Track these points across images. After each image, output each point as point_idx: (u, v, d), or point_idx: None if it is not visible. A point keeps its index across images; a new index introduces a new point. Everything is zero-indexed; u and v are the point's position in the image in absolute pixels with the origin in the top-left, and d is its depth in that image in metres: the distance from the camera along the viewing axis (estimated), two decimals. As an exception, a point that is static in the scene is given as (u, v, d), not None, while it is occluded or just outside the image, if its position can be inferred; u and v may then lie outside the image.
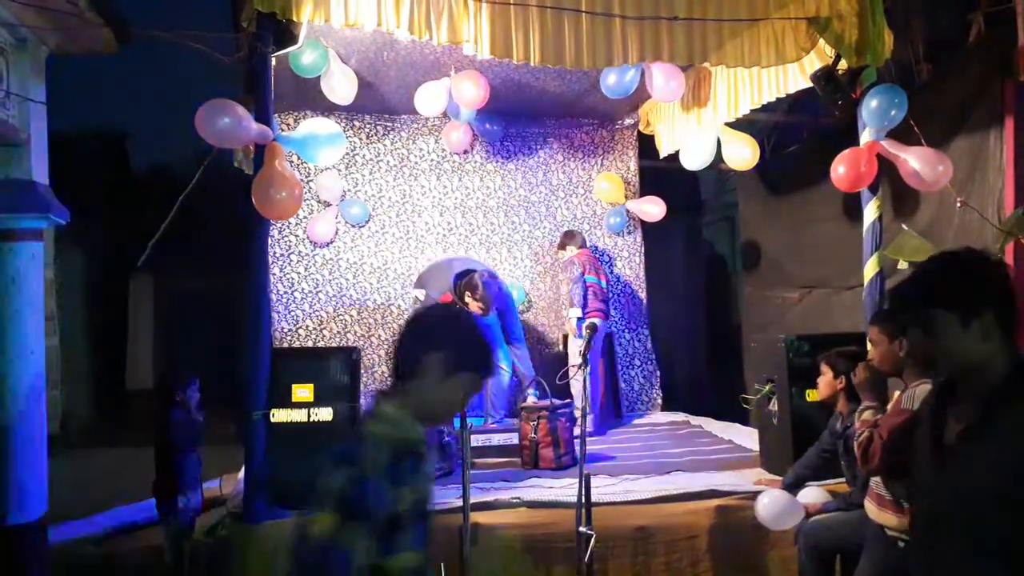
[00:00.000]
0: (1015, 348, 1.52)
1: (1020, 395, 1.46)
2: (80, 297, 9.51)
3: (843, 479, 3.50)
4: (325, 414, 3.55)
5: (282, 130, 5.40)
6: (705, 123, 5.46)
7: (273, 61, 4.05)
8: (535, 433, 4.39)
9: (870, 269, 4.08)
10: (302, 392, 3.52)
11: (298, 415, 3.53)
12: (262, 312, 3.49)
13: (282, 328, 6.04)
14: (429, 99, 5.21)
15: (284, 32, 3.58)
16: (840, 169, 4.02)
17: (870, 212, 4.11)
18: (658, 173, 6.81)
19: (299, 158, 6.05)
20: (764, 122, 6.25)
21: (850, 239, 5.54)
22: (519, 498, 3.66)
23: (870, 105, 3.93)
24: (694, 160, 5.68)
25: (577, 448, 3.57)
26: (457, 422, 2.83)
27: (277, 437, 3.49)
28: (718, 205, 8.46)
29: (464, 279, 4.98)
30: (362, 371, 6.05)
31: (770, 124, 6.43)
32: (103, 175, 9.84)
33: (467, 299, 4.95)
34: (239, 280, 6.18)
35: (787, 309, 6.46)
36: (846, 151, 4.05)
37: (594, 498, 3.45)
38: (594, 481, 3.83)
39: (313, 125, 3.72)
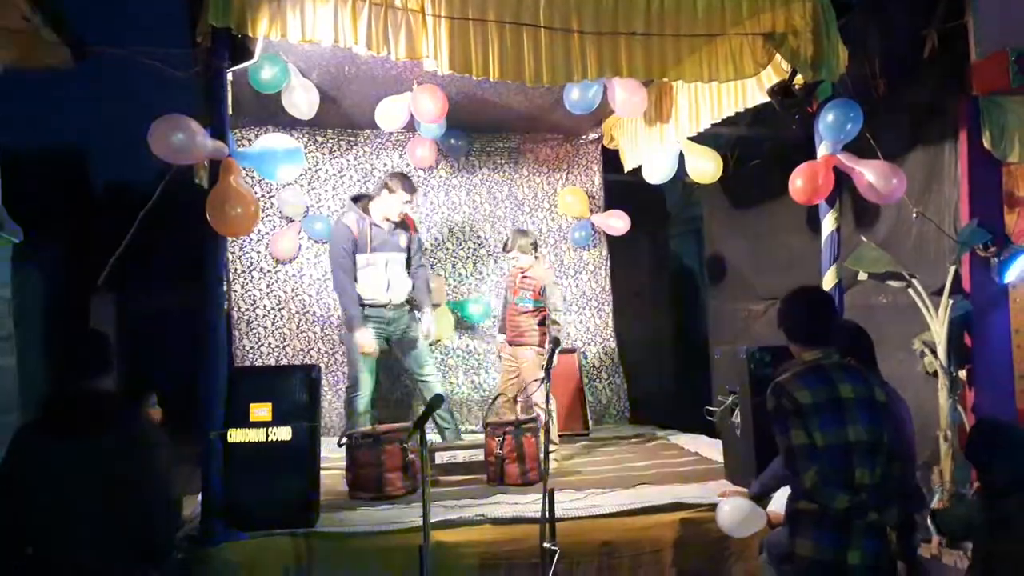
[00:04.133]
0: None
1: None
2: (39, 316, 9.29)
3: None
4: (284, 434, 3.48)
5: (241, 146, 5.35)
6: (667, 138, 5.50)
7: (231, 76, 4.01)
8: (500, 449, 4.35)
9: (828, 280, 4.13)
10: (260, 411, 3.46)
11: (256, 435, 3.46)
12: (218, 330, 3.43)
13: (244, 346, 5.95)
14: (390, 114, 5.19)
15: (240, 47, 3.54)
16: (797, 182, 4.06)
17: (828, 224, 4.16)
18: (623, 186, 6.83)
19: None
20: (727, 136, 6.31)
21: (812, 251, 5.53)
22: (483, 515, 3.62)
23: (826, 119, 3.99)
24: (657, 174, 5.72)
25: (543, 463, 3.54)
26: (417, 440, 2.80)
27: (234, 457, 3.42)
28: (684, 217, 8.51)
29: None
30: (326, 389, 6.05)
31: (733, 138, 6.49)
32: (62, 192, 9.65)
33: None
34: (199, 297, 6.11)
35: (752, 321, 6.50)
36: (803, 164, 4.10)
37: (559, 513, 3.44)
38: (559, 496, 3.84)
39: (270, 140, 3.67)
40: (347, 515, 3.75)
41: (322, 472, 4.48)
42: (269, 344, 6.01)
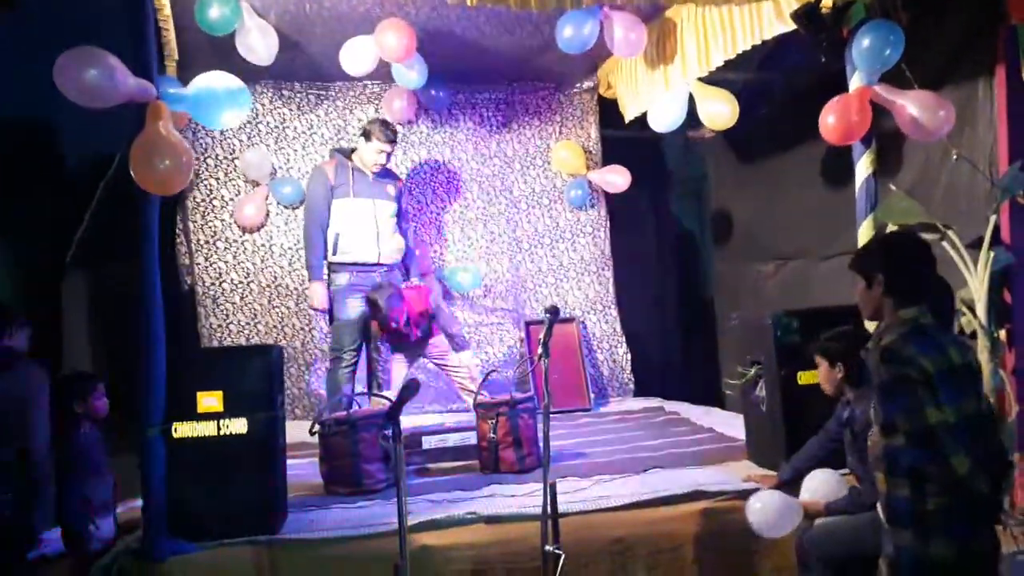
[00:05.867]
0: None
1: None
2: (8, 297, 8.76)
3: (849, 471, 3.07)
4: (239, 426, 2.97)
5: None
6: (673, 80, 4.95)
7: (167, 9, 3.46)
8: (494, 432, 3.86)
9: (865, 233, 3.62)
10: (209, 401, 2.94)
11: (205, 428, 2.95)
12: (153, 307, 2.90)
13: (210, 324, 5.42)
14: (355, 55, 4.64)
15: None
16: (829, 119, 3.53)
17: (863, 168, 3.63)
18: (620, 144, 6.30)
19: (223, 132, 5.46)
20: (733, 82, 5.78)
21: (828, 206, 5.10)
22: (475, 513, 3.13)
23: (860, 45, 3.44)
24: (663, 120, 5.16)
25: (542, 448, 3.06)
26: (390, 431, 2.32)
27: (180, 456, 2.91)
28: (685, 176, 8.00)
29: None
30: (303, 369, 5.54)
31: (739, 85, 5.96)
32: (25, 164, 9.05)
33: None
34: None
35: (761, 283, 6.03)
36: (835, 99, 3.56)
37: (562, 507, 2.99)
38: (562, 486, 3.36)
39: (208, 79, 3.09)
40: (319, 516, 3.26)
41: (300, 463, 4.05)
42: (238, 321, 5.48)
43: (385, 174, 4.91)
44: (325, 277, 4.72)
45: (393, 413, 2.29)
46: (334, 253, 4.67)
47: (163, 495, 2.84)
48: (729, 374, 4.77)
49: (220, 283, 5.47)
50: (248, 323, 5.49)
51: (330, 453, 3.66)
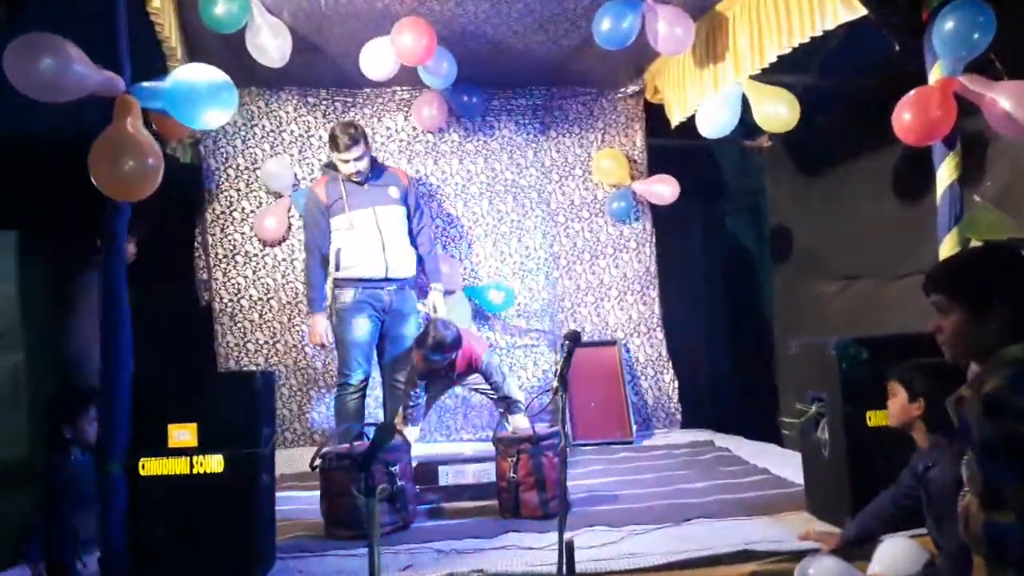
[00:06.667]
0: None
1: None
2: (49, 311, 8.73)
3: (926, 531, 2.55)
4: (214, 464, 2.62)
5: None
6: (724, 80, 4.50)
7: (156, 2, 3.18)
8: (514, 472, 3.44)
9: (947, 249, 3.09)
10: (182, 435, 2.60)
11: (176, 466, 2.61)
12: (118, 326, 2.58)
13: (227, 343, 5.14)
14: (376, 59, 4.30)
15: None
16: (905, 116, 3.02)
17: (945, 173, 3.10)
18: (668, 153, 5.85)
19: (245, 141, 5.22)
20: (792, 86, 5.28)
21: (899, 219, 4.59)
22: (481, 571, 2.71)
23: (942, 29, 2.94)
24: (712, 123, 4.68)
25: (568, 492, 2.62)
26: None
27: (146, 497, 2.58)
28: (741, 189, 7.48)
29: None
30: (323, 392, 5.21)
31: (798, 89, 5.46)
32: (67, 179, 9.06)
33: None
34: (180, 288, 5.34)
35: (825, 305, 5.49)
36: (913, 92, 3.06)
37: (584, 566, 2.58)
38: (587, 537, 2.95)
39: (188, 72, 2.76)
40: (310, 564, 2.88)
41: (307, 496, 3.71)
42: (257, 340, 5.19)
43: (383, 174, 4.45)
44: (327, 308, 4.35)
45: (365, 462, 1.91)
46: (337, 269, 4.29)
47: (123, 542, 2.51)
48: (787, 410, 4.26)
49: (239, 299, 5.20)
50: (267, 342, 5.20)
51: (331, 490, 3.29)
